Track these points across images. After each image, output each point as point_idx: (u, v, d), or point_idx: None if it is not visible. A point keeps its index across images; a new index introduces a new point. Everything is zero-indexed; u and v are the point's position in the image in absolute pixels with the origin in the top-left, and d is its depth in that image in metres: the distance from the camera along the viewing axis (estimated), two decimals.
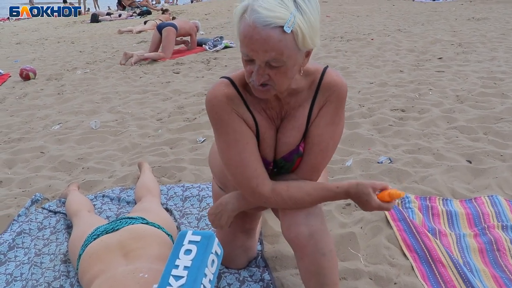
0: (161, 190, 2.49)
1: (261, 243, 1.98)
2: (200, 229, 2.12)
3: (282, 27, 1.11)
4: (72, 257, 1.86)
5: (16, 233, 2.17)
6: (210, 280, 1.01)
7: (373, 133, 3.27)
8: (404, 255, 1.90)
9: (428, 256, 1.88)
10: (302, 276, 1.44)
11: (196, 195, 2.42)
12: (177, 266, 0.98)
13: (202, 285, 0.96)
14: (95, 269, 1.58)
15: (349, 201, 2.31)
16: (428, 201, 2.32)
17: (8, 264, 1.98)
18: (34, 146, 3.50)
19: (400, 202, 2.32)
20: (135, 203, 2.36)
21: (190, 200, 2.39)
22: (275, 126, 1.42)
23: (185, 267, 0.97)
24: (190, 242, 1.03)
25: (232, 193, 1.51)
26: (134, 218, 1.83)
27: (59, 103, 4.86)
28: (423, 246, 1.93)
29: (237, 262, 1.82)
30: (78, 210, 2.18)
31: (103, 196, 2.51)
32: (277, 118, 1.41)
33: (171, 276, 0.96)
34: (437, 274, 1.79)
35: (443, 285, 1.74)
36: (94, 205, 2.40)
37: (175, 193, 2.46)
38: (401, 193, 1.36)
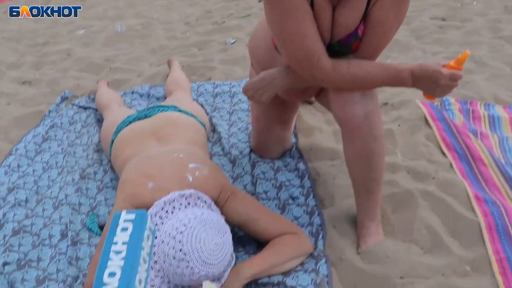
0: (191, 87, 2.42)
1: (296, 136, 1.92)
2: (231, 122, 2.08)
3: None
4: (104, 145, 1.85)
5: (49, 126, 2.17)
6: (147, 253, 1.06)
7: (410, 39, 3.08)
8: (443, 153, 1.83)
9: (468, 155, 1.80)
10: (349, 160, 1.38)
11: (228, 92, 2.34)
12: (116, 243, 1.03)
13: (141, 257, 1.02)
14: (128, 152, 1.55)
15: (386, 100, 2.22)
16: (469, 104, 2.21)
17: (43, 154, 1.99)
18: (60, 49, 3.44)
19: (439, 103, 2.21)
20: (165, 99, 2.31)
21: (221, 96, 2.32)
22: (332, 6, 1.24)
23: (123, 243, 1.02)
24: (125, 221, 1.08)
25: (279, 69, 1.38)
26: (167, 106, 1.78)
27: (82, 10, 4.73)
28: (463, 145, 1.84)
29: (272, 151, 1.78)
30: (108, 103, 2.15)
31: (132, 92, 2.46)
32: None
33: (111, 252, 1.01)
34: (476, 172, 1.72)
35: (482, 182, 1.68)
36: (124, 100, 2.36)
37: (205, 89, 2.39)
38: (466, 52, 1.23)
